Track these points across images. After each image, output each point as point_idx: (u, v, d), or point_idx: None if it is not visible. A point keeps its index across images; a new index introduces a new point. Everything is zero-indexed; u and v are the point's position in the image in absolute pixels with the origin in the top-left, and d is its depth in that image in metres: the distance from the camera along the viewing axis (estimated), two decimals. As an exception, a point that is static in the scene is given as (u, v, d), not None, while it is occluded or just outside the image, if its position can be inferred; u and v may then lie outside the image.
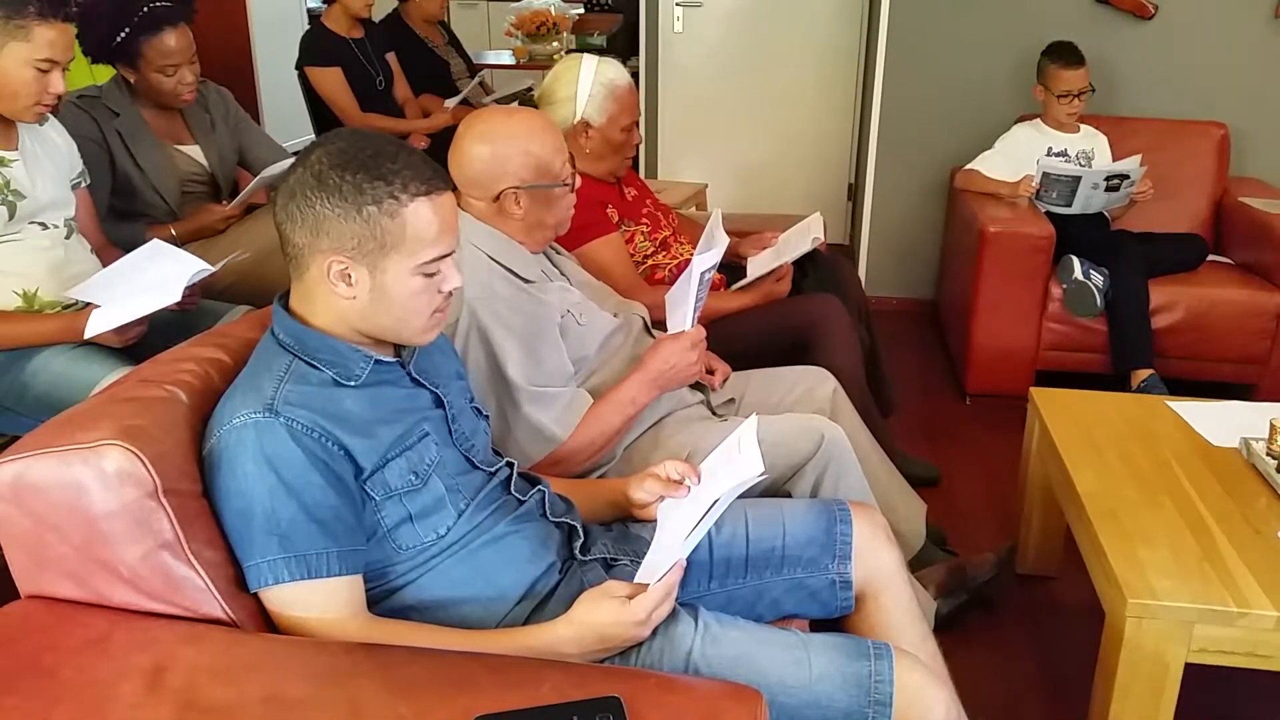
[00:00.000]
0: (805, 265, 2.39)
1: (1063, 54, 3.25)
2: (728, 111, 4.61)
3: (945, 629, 2.02)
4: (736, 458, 1.34)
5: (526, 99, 2.38)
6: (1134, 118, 3.56)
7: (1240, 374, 3.09)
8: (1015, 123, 3.47)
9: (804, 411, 1.94)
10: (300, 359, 1.23)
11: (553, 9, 5.32)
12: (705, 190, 3.98)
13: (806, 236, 2.34)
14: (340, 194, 1.18)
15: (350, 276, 1.21)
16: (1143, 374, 2.95)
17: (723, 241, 1.84)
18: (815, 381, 2.04)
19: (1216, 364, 3.09)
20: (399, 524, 1.24)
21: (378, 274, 1.21)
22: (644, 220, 2.40)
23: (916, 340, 3.75)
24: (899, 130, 3.83)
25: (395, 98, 3.90)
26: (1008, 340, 3.13)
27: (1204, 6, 3.53)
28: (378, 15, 3.97)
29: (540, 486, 1.41)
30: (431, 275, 1.24)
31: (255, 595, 1.19)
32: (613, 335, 1.83)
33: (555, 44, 5.21)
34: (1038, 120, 3.38)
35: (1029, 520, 2.30)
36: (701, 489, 1.37)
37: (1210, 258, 3.24)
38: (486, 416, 1.44)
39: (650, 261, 2.37)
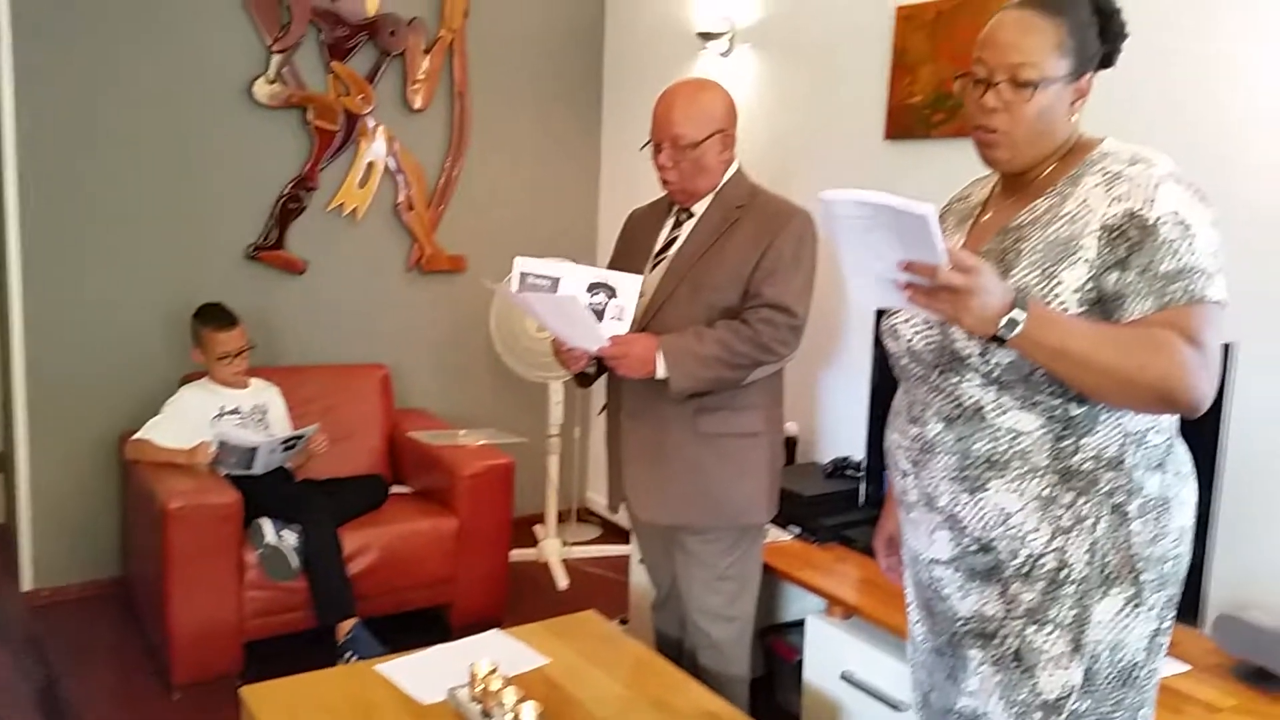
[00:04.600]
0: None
1: (213, 317, 3.24)
2: None
3: None
4: None
5: None
6: (304, 366, 3.70)
7: (435, 596, 3.32)
8: (182, 384, 3.33)
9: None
10: None
11: None
12: None
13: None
14: None
15: None
16: (347, 625, 2.97)
17: None
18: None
19: (414, 592, 3.27)
20: None
21: None
22: None
23: (109, 631, 3.27)
24: (55, 397, 3.40)
25: None
26: (210, 618, 2.89)
27: (349, 260, 3.87)
28: None
29: None
30: None
31: None
32: None
33: None
34: (206, 379, 3.29)
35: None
36: None
37: (393, 490, 3.46)
38: None
39: None
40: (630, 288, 2.17)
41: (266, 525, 2.96)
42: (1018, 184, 1.49)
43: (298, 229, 3.74)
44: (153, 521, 2.91)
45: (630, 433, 2.35)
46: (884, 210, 1.20)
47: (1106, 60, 1.45)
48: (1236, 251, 2.00)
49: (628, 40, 4.24)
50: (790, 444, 3.34)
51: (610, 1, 4.32)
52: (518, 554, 3.82)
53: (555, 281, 2.15)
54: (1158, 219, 1.31)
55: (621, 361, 2.15)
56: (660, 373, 2.14)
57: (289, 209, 3.70)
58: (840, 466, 3.08)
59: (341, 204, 3.81)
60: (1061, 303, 1.35)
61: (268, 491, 3.08)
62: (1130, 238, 1.32)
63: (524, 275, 2.15)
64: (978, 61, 1.43)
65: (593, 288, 2.16)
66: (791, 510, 2.84)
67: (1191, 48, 2.30)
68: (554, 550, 3.95)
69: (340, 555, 3.04)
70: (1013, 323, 1.24)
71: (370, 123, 3.80)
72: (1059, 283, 1.35)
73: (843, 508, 2.90)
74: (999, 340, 1.26)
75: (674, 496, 2.30)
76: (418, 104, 3.89)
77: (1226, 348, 1.93)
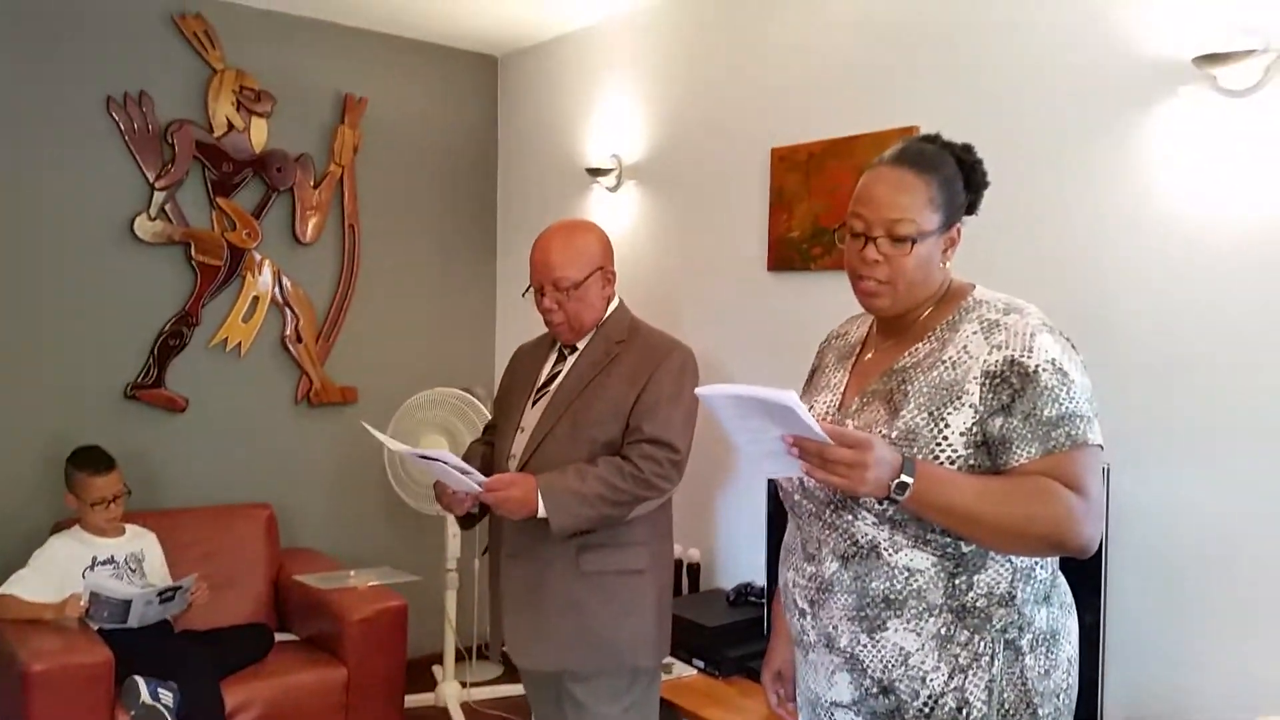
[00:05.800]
0: None
1: (88, 461, 3.09)
2: None
3: None
4: None
5: None
6: (183, 509, 3.53)
7: (325, 752, 3.13)
8: (51, 533, 3.14)
9: None
10: None
11: None
12: None
13: None
14: None
15: None
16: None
17: None
18: None
19: (302, 749, 3.08)
20: None
21: None
22: None
23: (-45, 812, 2.97)
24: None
25: None
26: (74, 791, 2.67)
27: (233, 396, 3.75)
28: None
29: None
30: None
31: None
32: None
33: None
34: (77, 528, 3.10)
35: None
36: None
37: (278, 639, 3.28)
38: None
39: None
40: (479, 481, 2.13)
41: (141, 684, 2.75)
42: (896, 326, 1.55)
43: (178, 366, 3.62)
44: (12, 685, 2.68)
45: (509, 573, 2.29)
46: (752, 401, 1.27)
47: (970, 207, 1.55)
48: (1113, 384, 2.12)
49: (521, 174, 4.33)
50: (693, 570, 3.32)
51: (502, 137, 4.42)
52: (414, 699, 3.64)
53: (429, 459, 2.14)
54: (1037, 366, 1.38)
55: (502, 503, 2.13)
56: (541, 512, 2.12)
57: (169, 345, 3.59)
58: (743, 593, 3.06)
59: (225, 339, 3.71)
60: (950, 444, 1.40)
61: (143, 646, 2.88)
62: (1012, 384, 1.39)
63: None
64: (855, 216, 1.50)
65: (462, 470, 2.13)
66: (694, 642, 2.80)
67: (1055, 194, 2.47)
68: (453, 694, 3.78)
69: (221, 712, 2.85)
70: (903, 485, 1.30)
71: (256, 256, 3.75)
72: (946, 425, 1.40)
73: (746, 638, 2.87)
74: (891, 500, 1.32)
75: (554, 639, 2.22)
76: (307, 237, 3.86)
77: (1104, 470, 2.01)
